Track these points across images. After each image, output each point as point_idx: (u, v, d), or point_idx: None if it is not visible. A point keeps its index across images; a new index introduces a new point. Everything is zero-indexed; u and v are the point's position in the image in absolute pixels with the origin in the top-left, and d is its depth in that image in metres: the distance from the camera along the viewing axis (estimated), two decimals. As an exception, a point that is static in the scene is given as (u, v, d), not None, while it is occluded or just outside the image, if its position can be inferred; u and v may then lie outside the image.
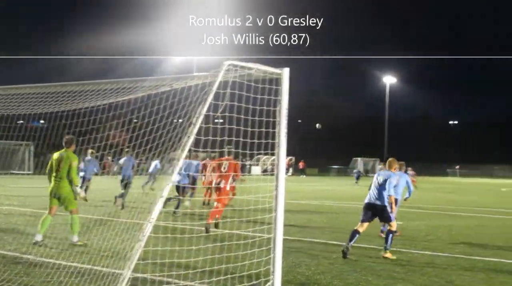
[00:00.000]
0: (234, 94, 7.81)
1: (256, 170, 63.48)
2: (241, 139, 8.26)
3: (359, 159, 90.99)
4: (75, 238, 12.47)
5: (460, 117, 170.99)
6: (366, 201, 12.96)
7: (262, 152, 8.59)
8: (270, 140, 8.25)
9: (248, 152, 8.52)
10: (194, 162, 20.27)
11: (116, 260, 8.74)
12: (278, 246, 8.06)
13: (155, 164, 26.06)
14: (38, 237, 12.31)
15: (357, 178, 53.27)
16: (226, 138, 7.93)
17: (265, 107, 8.09)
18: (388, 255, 12.24)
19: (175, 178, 7.25)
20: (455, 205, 28.60)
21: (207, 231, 12.64)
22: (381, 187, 12.69)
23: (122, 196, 20.44)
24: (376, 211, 12.73)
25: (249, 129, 8.29)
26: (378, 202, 12.69)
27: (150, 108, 9.04)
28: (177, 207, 16.87)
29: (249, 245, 8.93)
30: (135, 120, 9.72)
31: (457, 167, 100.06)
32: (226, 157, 15.82)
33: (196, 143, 7.39)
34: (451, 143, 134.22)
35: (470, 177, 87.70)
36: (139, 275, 8.03)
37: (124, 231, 11.65)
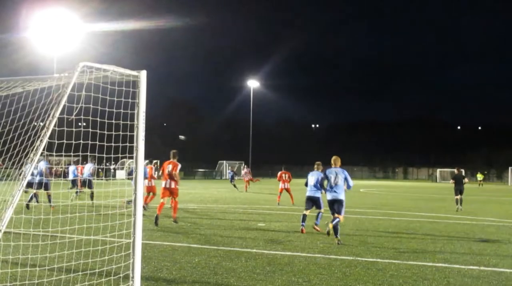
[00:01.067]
0: (91, 97, 7.64)
1: (121, 174, 62.33)
2: (97, 142, 8.10)
3: (224, 162, 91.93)
4: None
5: (322, 120, 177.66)
6: (329, 198, 16.07)
7: (128, 155, 8.45)
8: (129, 144, 8.13)
9: (112, 155, 8.35)
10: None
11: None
12: (137, 251, 7.97)
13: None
14: None
15: (232, 179, 53.47)
16: (81, 141, 7.73)
17: (122, 110, 7.97)
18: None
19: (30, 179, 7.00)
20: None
21: None
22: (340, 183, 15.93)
23: None
24: (335, 203, 15.93)
25: (106, 132, 8.14)
26: (340, 197, 15.88)
27: (1, 110, 8.63)
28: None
29: (108, 250, 8.76)
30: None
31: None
32: None
33: (49, 147, 7.16)
34: (314, 145, 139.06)
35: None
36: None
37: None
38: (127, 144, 8.07)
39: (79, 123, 7.71)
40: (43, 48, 64.01)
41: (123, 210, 8.42)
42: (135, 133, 8.06)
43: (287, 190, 30.83)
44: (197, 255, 12.75)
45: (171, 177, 19.59)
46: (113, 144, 8.10)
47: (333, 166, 16.18)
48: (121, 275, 8.39)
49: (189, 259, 12.18)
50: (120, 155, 8.48)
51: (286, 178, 31.08)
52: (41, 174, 21.79)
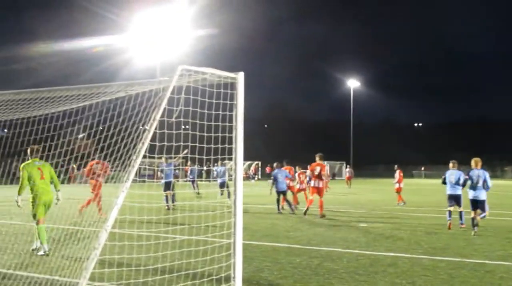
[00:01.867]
0: (189, 100, 7.76)
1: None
2: (197, 144, 8.22)
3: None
4: (46, 247, 12.22)
5: (424, 119, 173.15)
6: (472, 197, 17.28)
7: (227, 156, 8.53)
8: (227, 145, 8.21)
9: (208, 157, 8.45)
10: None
11: (74, 269, 8.61)
12: (238, 251, 8.03)
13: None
14: (45, 247, 12.15)
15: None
16: (182, 143, 7.86)
17: (221, 112, 8.06)
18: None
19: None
20: (418, 206, 28.87)
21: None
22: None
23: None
24: (478, 203, 17.13)
25: (205, 134, 8.25)
26: (482, 197, 17.21)
27: (105, 114, 8.93)
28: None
29: (209, 250, 8.88)
30: (100, 128, 9.60)
31: (422, 168, 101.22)
32: None
33: (151, 149, 7.32)
34: (416, 144, 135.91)
35: (435, 178, 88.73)
36: (96, 283, 7.92)
37: (81, 240, 11.50)
38: (226, 145, 8.14)
39: (183, 126, 7.86)
40: (147, 53, 65.87)
41: (223, 211, 8.49)
42: (233, 134, 8.12)
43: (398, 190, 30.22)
44: (298, 255, 12.71)
45: (319, 177, 22.51)
46: (212, 146, 8.19)
47: (474, 168, 17.65)
48: (222, 275, 8.47)
49: (290, 260, 12.15)
50: (220, 157, 8.58)
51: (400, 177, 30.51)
52: (168, 176, 22.79)
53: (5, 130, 12.81)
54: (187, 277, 8.81)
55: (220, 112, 8.05)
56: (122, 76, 67.16)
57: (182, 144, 7.82)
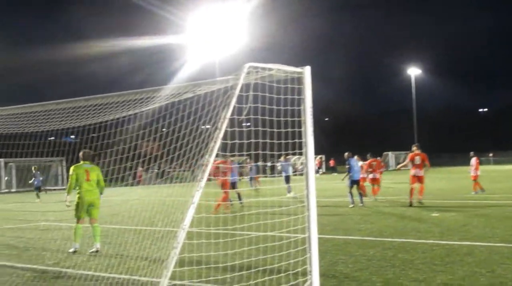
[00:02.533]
0: (257, 96, 7.80)
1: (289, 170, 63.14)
2: (268, 140, 8.25)
3: (390, 153, 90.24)
4: (98, 246, 13.16)
5: (489, 105, 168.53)
6: None
7: (290, 152, 8.57)
8: (297, 140, 8.22)
9: (276, 153, 8.49)
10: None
11: (154, 268, 8.79)
12: (313, 245, 8.04)
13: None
14: (76, 246, 13.16)
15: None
16: (252, 140, 7.91)
17: (289, 107, 8.08)
18: None
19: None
20: (490, 193, 28.18)
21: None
22: None
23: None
24: None
25: (275, 130, 8.28)
26: None
27: (175, 115, 9.08)
28: None
29: (284, 246, 8.90)
30: (163, 129, 9.78)
31: (491, 154, 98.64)
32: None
33: (223, 147, 7.40)
34: (481, 130, 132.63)
35: (504, 164, 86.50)
36: (177, 282, 8.06)
37: (159, 239, 11.72)
38: (296, 140, 8.15)
39: (248, 123, 7.91)
40: (204, 52, 66.34)
41: (295, 206, 8.51)
42: (303, 129, 8.12)
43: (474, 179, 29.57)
44: (371, 247, 12.62)
45: (420, 166, 23.41)
46: (282, 141, 8.21)
47: None
48: (299, 269, 8.48)
49: (363, 252, 12.08)
50: (283, 152, 8.60)
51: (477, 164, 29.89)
52: (232, 175, 23.21)
53: (72, 136, 13.22)
54: (264, 272, 8.87)
55: (289, 107, 8.06)
56: (181, 75, 67.76)
57: (253, 140, 7.86)
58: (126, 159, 10.70)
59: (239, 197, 23.90)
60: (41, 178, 36.31)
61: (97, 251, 12.99)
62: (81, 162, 13.48)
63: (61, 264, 11.73)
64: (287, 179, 29.58)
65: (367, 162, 28.30)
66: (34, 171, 35.55)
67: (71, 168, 13.38)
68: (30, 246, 14.11)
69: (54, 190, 47.79)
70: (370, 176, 27.72)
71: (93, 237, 13.27)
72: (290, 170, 33.62)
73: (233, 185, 23.89)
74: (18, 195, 45.16)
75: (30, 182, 35.67)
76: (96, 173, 13.41)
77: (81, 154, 13.39)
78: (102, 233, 14.06)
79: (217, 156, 7.21)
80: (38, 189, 35.12)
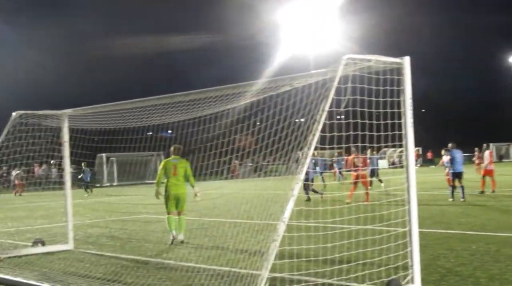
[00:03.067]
0: (355, 88, 7.72)
1: (383, 163, 62.35)
2: (367, 133, 8.16)
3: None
4: (182, 236, 13.71)
5: None
6: None
7: (390, 144, 8.44)
8: (396, 132, 8.09)
9: (375, 145, 8.38)
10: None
11: (253, 261, 8.88)
12: (414, 239, 7.90)
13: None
14: (173, 234, 13.63)
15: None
16: (351, 133, 7.83)
17: (388, 99, 7.95)
18: None
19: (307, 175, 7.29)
20: None
21: None
22: None
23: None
24: None
25: (374, 122, 8.17)
26: None
27: (273, 109, 9.11)
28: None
29: (384, 239, 8.78)
30: (258, 123, 9.85)
31: None
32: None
33: (322, 140, 7.37)
34: None
35: None
36: (277, 274, 8.10)
37: (258, 232, 11.83)
38: (396, 132, 8.01)
39: (342, 116, 7.84)
40: (297, 47, 66.22)
41: (395, 199, 8.38)
42: (402, 120, 7.99)
43: None
44: (473, 242, 12.24)
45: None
46: (382, 133, 8.09)
47: None
48: (399, 263, 8.36)
49: (465, 246, 11.74)
50: (383, 144, 8.47)
51: None
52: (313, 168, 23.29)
53: (170, 131, 13.56)
54: (364, 266, 8.77)
55: (388, 98, 7.94)
56: (274, 70, 67.98)
57: (352, 133, 7.79)
58: (221, 153, 10.85)
59: (318, 191, 23.61)
60: (89, 174, 37.26)
61: (182, 242, 13.49)
62: (171, 156, 13.97)
63: (163, 256, 12.06)
64: (372, 173, 29.03)
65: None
66: (83, 167, 36.01)
67: (161, 162, 14.00)
68: (133, 237, 14.60)
69: (153, 183, 49.12)
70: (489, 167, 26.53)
71: (178, 228, 13.75)
72: (379, 163, 33.14)
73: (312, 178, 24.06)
74: (119, 188, 46.71)
75: (79, 177, 36.31)
76: (184, 167, 13.81)
77: (171, 148, 13.90)
78: (202, 226, 14.40)
79: (315, 148, 7.19)
80: (87, 184, 36.52)
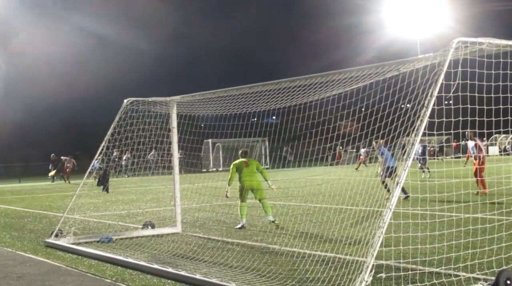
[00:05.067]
0: (465, 72, 7.49)
1: (494, 150, 60.05)
2: (477, 118, 7.90)
3: None
4: (271, 217, 14.50)
5: None
6: None
7: (502, 130, 8.15)
8: (509, 118, 7.79)
9: (485, 131, 8.11)
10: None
11: (358, 248, 8.81)
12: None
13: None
14: (243, 222, 14.54)
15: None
16: (460, 118, 7.62)
17: (501, 83, 7.67)
18: None
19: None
20: None
21: None
22: None
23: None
24: None
25: (485, 107, 7.91)
26: None
27: (379, 94, 8.99)
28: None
29: (495, 229, 8.50)
30: (363, 109, 9.76)
31: None
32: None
33: (430, 126, 7.21)
34: None
35: None
36: (382, 262, 8.03)
37: (364, 219, 11.73)
38: (509, 118, 7.72)
39: (445, 102, 7.62)
40: (402, 31, 64.83)
41: (508, 187, 8.09)
42: (516, 106, 7.69)
43: None
44: None
45: None
46: (493, 119, 7.83)
47: None
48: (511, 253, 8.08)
49: None
50: (493, 130, 8.19)
51: None
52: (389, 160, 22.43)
53: (274, 117, 13.66)
54: (474, 255, 8.52)
55: (500, 83, 7.66)
56: (379, 54, 66.84)
57: (461, 119, 7.58)
58: (326, 139, 10.83)
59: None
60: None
61: (273, 222, 14.37)
62: (240, 159, 15.17)
63: (268, 240, 12.21)
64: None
65: None
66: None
67: (231, 165, 15.10)
68: (239, 221, 14.84)
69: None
70: None
71: (264, 212, 14.63)
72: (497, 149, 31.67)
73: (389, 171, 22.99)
74: (224, 174, 47.44)
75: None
76: (255, 163, 15.06)
77: (240, 152, 15.44)
78: (307, 211, 14.42)
79: (423, 134, 7.05)
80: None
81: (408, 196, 19.12)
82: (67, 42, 73.78)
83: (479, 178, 19.15)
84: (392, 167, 20.39)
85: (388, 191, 19.59)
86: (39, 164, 57.43)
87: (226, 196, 15.01)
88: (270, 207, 14.74)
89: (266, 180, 14.86)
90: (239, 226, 14.48)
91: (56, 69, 68.88)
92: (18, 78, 71.79)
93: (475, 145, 20.47)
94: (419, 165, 28.69)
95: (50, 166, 48.88)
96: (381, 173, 20.35)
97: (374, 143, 22.27)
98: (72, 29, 75.88)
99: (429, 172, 26.47)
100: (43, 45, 71.30)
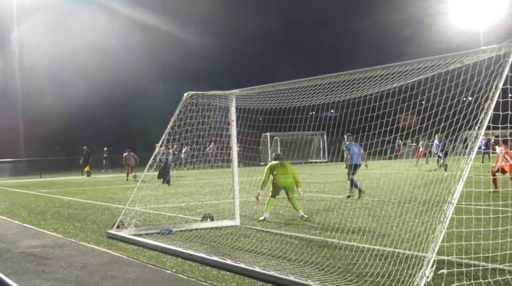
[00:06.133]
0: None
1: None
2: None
3: None
4: (301, 213, 14.92)
5: None
6: None
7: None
8: None
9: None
10: None
11: (418, 242, 8.68)
12: None
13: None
14: (266, 214, 15.01)
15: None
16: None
17: None
18: None
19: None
20: None
21: None
22: None
23: None
24: None
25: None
26: None
27: (441, 87, 8.82)
28: None
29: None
30: (423, 102, 9.60)
31: None
32: None
33: (494, 119, 7.03)
34: None
35: None
36: (444, 257, 7.90)
37: (423, 213, 11.56)
38: None
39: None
40: (465, 22, 63.44)
41: None
42: None
43: None
44: None
45: None
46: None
47: None
48: None
49: None
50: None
51: None
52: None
53: (332, 110, 13.58)
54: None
55: None
56: (441, 46, 65.50)
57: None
58: (385, 132, 10.70)
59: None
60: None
61: (303, 218, 14.71)
62: (274, 161, 15.60)
63: (326, 234, 12.16)
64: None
65: None
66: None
67: (266, 166, 15.52)
68: (296, 215, 14.85)
69: (316, 162, 49.51)
70: None
71: (295, 209, 15.09)
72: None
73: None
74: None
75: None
76: (289, 165, 15.38)
77: (273, 155, 16.28)
78: (365, 205, 14.31)
79: (487, 128, 6.89)
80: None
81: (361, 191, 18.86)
82: (119, 34, 74.46)
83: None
84: (356, 165, 20.18)
85: (360, 190, 19.38)
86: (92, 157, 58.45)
87: (257, 199, 15.52)
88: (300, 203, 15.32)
89: (298, 186, 15.25)
90: (261, 218, 14.90)
91: (109, 62, 69.61)
92: (68, 71, 72.82)
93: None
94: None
95: (82, 159, 49.25)
96: (347, 171, 19.87)
97: (437, 136, 21.73)
98: (124, 21, 76.55)
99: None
100: (95, 38, 72.30)
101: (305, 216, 14.84)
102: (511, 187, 8.54)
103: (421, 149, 37.75)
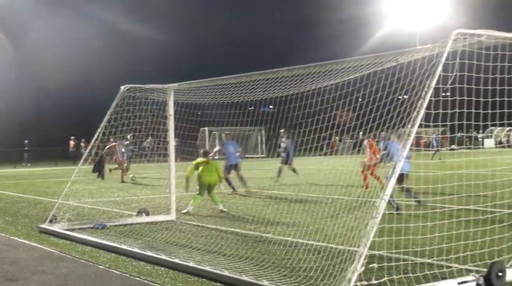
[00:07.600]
0: (463, 64, 7.49)
1: (489, 142, 60.12)
2: (473, 110, 7.91)
3: None
4: (221, 207, 15.49)
5: None
6: None
7: (497, 122, 8.17)
8: (505, 110, 7.80)
9: (481, 123, 8.11)
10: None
11: (350, 237, 8.82)
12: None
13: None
14: (189, 208, 15.33)
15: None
16: (457, 110, 7.62)
17: (498, 75, 7.68)
18: None
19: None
20: None
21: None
22: None
23: None
24: None
25: (482, 99, 7.90)
26: None
27: (377, 85, 8.98)
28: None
29: (488, 221, 8.52)
30: (360, 99, 9.75)
31: None
32: None
33: (426, 117, 7.20)
34: None
35: None
36: (375, 252, 8.04)
37: (356, 208, 11.74)
38: (505, 110, 7.73)
39: (443, 93, 7.62)
40: (401, 23, 64.65)
41: (502, 179, 8.10)
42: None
43: None
44: None
45: None
46: (489, 111, 7.83)
47: None
48: (504, 246, 8.11)
49: None
50: (489, 123, 8.19)
51: None
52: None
53: (271, 106, 13.67)
54: (466, 247, 8.54)
55: (498, 75, 7.66)
56: (378, 46, 66.64)
57: (457, 110, 7.58)
58: (321, 129, 10.81)
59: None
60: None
61: (221, 211, 15.22)
62: (200, 158, 15.85)
63: (261, 229, 12.18)
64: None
65: None
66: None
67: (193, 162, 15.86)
68: (232, 210, 14.94)
69: (252, 158, 49.67)
70: None
71: (215, 203, 15.61)
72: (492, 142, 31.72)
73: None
74: (220, 162, 47.25)
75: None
76: (214, 163, 15.91)
77: (201, 151, 16.70)
78: (300, 201, 14.36)
79: (419, 126, 7.05)
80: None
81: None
82: (70, 28, 73.34)
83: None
84: (234, 165, 20.72)
85: (234, 189, 19.84)
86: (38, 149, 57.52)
87: (186, 191, 15.69)
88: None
89: (220, 181, 16.12)
90: (185, 210, 15.19)
91: (60, 55, 68.47)
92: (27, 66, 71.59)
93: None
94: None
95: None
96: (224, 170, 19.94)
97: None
98: (73, 14, 75.37)
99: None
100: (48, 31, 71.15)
101: (224, 209, 15.33)
102: (432, 184, 8.77)
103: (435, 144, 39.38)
